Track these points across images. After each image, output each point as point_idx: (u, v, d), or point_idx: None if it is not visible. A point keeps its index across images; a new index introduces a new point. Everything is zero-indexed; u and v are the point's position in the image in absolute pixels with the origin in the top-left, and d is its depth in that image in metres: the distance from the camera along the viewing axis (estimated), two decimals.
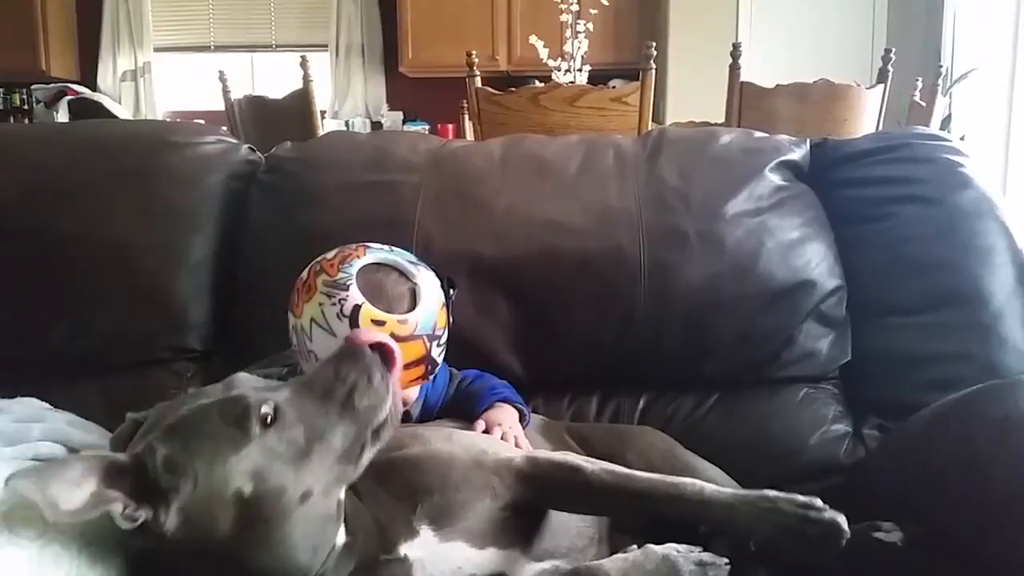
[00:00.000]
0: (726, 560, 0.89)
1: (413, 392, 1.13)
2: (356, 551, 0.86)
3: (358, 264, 1.07)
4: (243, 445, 0.78)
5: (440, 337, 1.11)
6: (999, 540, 0.91)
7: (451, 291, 1.16)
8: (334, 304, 1.03)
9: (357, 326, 1.02)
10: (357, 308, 1.03)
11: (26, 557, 0.83)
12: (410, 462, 0.95)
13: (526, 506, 0.96)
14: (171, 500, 0.76)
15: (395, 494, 0.91)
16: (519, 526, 0.96)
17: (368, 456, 0.84)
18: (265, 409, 0.79)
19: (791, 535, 0.89)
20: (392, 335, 1.00)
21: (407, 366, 1.04)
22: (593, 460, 0.99)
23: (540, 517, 0.99)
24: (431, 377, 1.14)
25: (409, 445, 0.98)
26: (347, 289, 1.04)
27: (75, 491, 0.73)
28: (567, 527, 1.01)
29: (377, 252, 1.12)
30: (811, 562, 0.91)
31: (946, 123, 4.11)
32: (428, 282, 1.11)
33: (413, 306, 1.07)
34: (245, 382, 0.86)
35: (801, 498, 0.91)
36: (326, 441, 0.81)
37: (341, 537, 0.85)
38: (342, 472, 0.82)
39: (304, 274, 1.10)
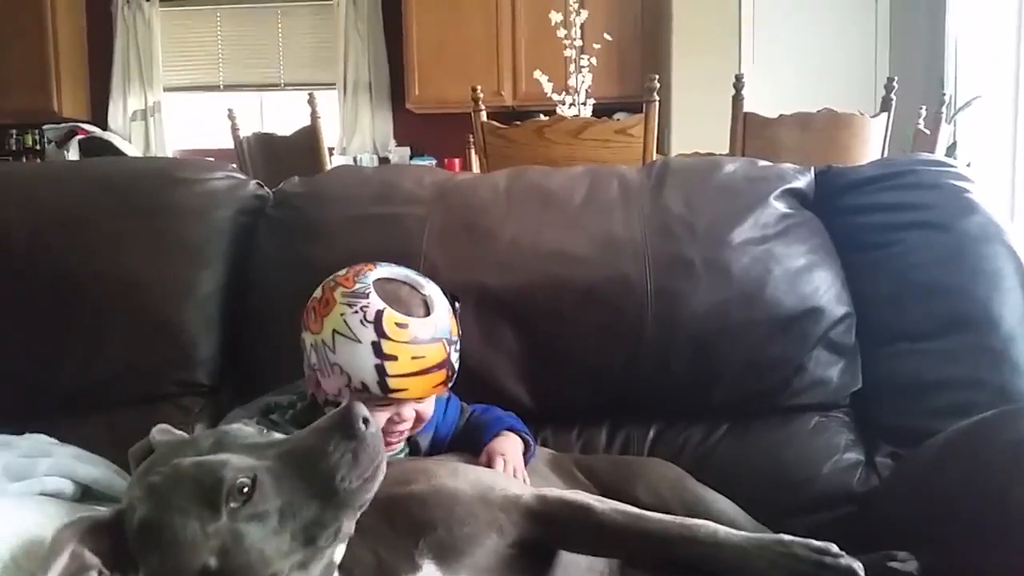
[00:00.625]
0: None
1: (430, 406, 1.13)
2: None
3: (372, 276, 1.09)
4: (212, 521, 0.75)
5: (456, 343, 1.11)
6: (1015, 566, 0.89)
7: (455, 304, 1.17)
8: (356, 312, 1.04)
9: (382, 331, 1.03)
10: (380, 313, 1.04)
11: None
12: (416, 497, 0.93)
13: (534, 544, 0.95)
14: (139, 568, 0.75)
15: (398, 529, 0.90)
16: (526, 564, 0.95)
17: (347, 532, 0.81)
18: (241, 481, 0.75)
19: None
20: (415, 338, 1.04)
21: (430, 370, 1.06)
22: (604, 500, 0.98)
23: (549, 555, 0.98)
24: (448, 388, 1.14)
25: (415, 480, 0.96)
26: (367, 297, 1.05)
27: (57, 558, 0.72)
28: (576, 564, 1.00)
29: (387, 267, 1.14)
30: None
31: (951, 151, 4.12)
32: (437, 293, 1.13)
33: (428, 312, 1.09)
34: (234, 440, 0.82)
35: (816, 543, 0.90)
36: (300, 520, 0.77)
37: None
38: (315, 551, 0.78)
39: (318, 292, 1.11)
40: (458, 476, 0.99)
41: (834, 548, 0.89)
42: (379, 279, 1.10)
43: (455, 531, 0.91)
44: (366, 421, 0.79)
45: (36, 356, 1.39)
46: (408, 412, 1.09)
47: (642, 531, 0.93)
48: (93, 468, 1.14)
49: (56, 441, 1.21)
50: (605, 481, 1.21)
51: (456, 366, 1.12)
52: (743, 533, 0.94)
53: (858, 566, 0.88)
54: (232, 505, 0.75)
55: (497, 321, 1.36)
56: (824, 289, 1.38)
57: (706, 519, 1.12)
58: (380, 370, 1.03)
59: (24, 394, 1.38)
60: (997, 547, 0.93)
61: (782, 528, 1.16)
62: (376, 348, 1.03)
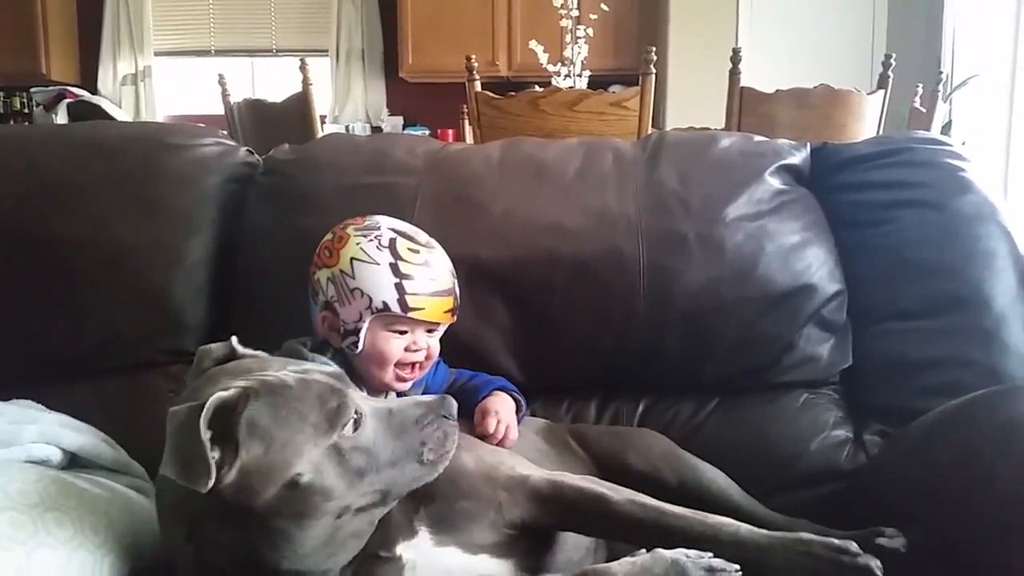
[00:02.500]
0: (737, 567, 0.88)
1: (436, 344, 1.16)
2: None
3: (378, 217, 1.17)
4: (323, 438, 0.81)
5: (457, 280, 1.18)
6: (1002, 545, 0.90)
7: None
8: (371, 240, 1.11)
9: (398, 254, 1.10)
10: (393, 240, 1.12)
11: (56, 560, 0.86)
12: None
13: (538, 525, 0.96)
14: (239, 455, 0.77)
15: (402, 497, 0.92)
16: (524, 544, 0.96)
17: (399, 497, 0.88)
18: (355, 415, 0.83)
19: None
20: (427, 262, 1.12)
21: (442, 293, 1.13)
22: (619, 489, 0.98)
23: (549, 536, 0.99)
24: (455, 317, 1.17)
25: None
26: (379, 228, 1.13)
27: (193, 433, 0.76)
28: (564, 540, 1.01)
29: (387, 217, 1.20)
30: None
31: (946, 129, 4.12)
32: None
33: (432, 245, 1.16)
34: (345, 378, 0.89)
35: (836, 542, 0.91)
36: (383, 473, 0.84)
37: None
38: (381, 502, 0.85)
39: (329, 236, 1.16)
40: (466, 451, 1.00)
41: (853, 547, 0.90)
42: (384, 218, 1.17)
43: (454, 504, 0.93)
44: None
45: (23, 322, 1.38)
46: (423, 340, 1.13)
47: (662, 526, 0.93)
48: (80, 436, 1.13)
49: (43, 408, 1.20)
50: (597, 449, 1.22)
51: (459, 300, 1.17)
52: (764, 531, 0.94)
53: (876, 564, 0.89)
54: (344, 432, 0.82)
55: (489, 294, 1.35)
56: (817, 266, 1.38)
57: (697, 488, 1.15)
58: (399, 288, 1.09)
59: (10, 361, 1.37)
60: (984, 525, 0.93)
61: (768, 506, 1.18)
62: (394, 268, 1.10)
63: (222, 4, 6.40)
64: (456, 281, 1.17)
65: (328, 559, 0.83)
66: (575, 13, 3.65)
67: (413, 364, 1.13)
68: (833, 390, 1.40)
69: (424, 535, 0.91)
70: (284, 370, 0.84)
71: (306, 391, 0.82)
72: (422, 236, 1.16)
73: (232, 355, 0.93)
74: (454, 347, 1.21)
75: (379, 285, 1.09)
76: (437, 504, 0.92)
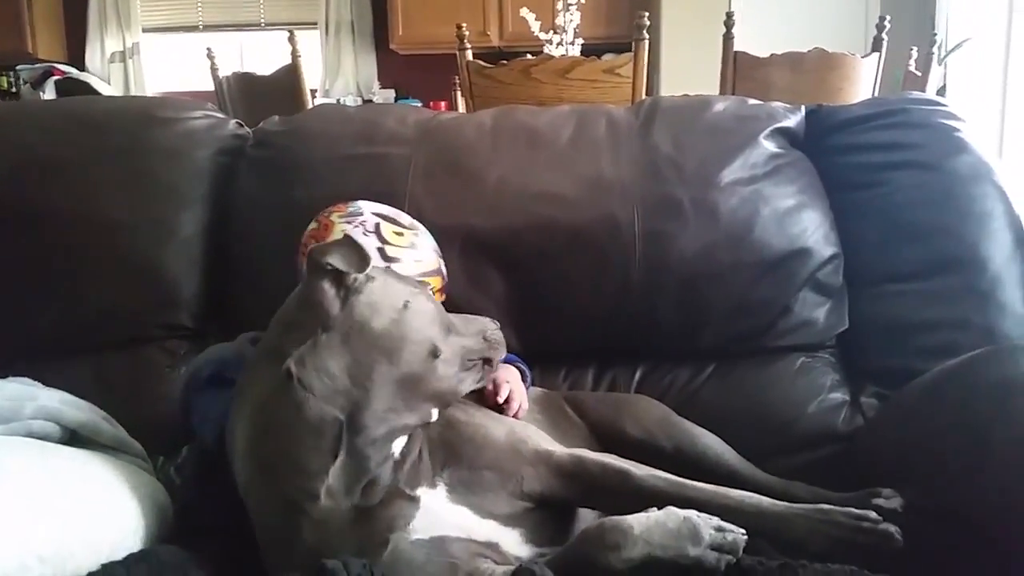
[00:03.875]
0: (743, 531, 0.89)
1: None
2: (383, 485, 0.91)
3: (359, 202, 1.19)
4: (428, 300, 0.97)
5: (443, 260, 1.21)
6: (999, 503, 0.90)
7: None
8: (356, 227, 1.13)
9: (384, 239, 1.13)
10: (377, 225, 1.14)
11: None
12: (454, 428, 1.00)
13: (557, 500, 0.98)
14: (360, 288, 0.91)
15: (435, 445, 0.97)
16: (539, 516, 0.97)
17: (471, 380, 0.99)
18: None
19: (844, 547, 0.91)
20: (412, 244, 1.15)
21: (429, 274, 1.16)
22: (639, 465, 1.00)
23: (559, 510, 1.00)
24: (443, 296, 1.20)
25: (466, 411, 1.04)
26: (362, 214, 1.15)
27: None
28: (577, 515, 1.02)
29: (368, 202, 1.22)
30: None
31: (941, 93, 4.09)
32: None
33: (414, 227, 1.19)
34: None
35: (855, 511, 0.92)
36: (460, 335, 0.98)
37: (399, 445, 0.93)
38: (453, 371, 0.96)
39: (312, 225, 1.18)
40: (496, 423, 1.03)
41: (872, 515, 0.92)
42: (366, 203, 1.18)
43: (477, 472, 0.96)
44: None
45: (17, 299, 1.37)
46: None
47: (683, 499, 0.94)
48: (79, 412, 1.13)
49: (41, 385, 1.20)
50: (594, 416, 1.23)
51: (446, 278, 1.19)
52: (784, 504, 0.95)
53: (895, 530, 0.90)
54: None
55: (483, 263, 1.35)
56: (812, 230, 1.37)
57: (693, 454, 1.15)
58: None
59: (6, 338, 1.37)
60: (980, 485, 0.94)
61: (766, 470, 1.18)
62: (381, 253, 1.11)
63: None
64: (442, 260, 1.18)
65: (396, 417, 0.90)
66: None
67: None
68: (830, 353, 1.40)
69: (442, 490, 0.94)
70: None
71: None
72: (405, 218, 1.19)
73: None
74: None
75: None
76: (462, 467, 0.95)
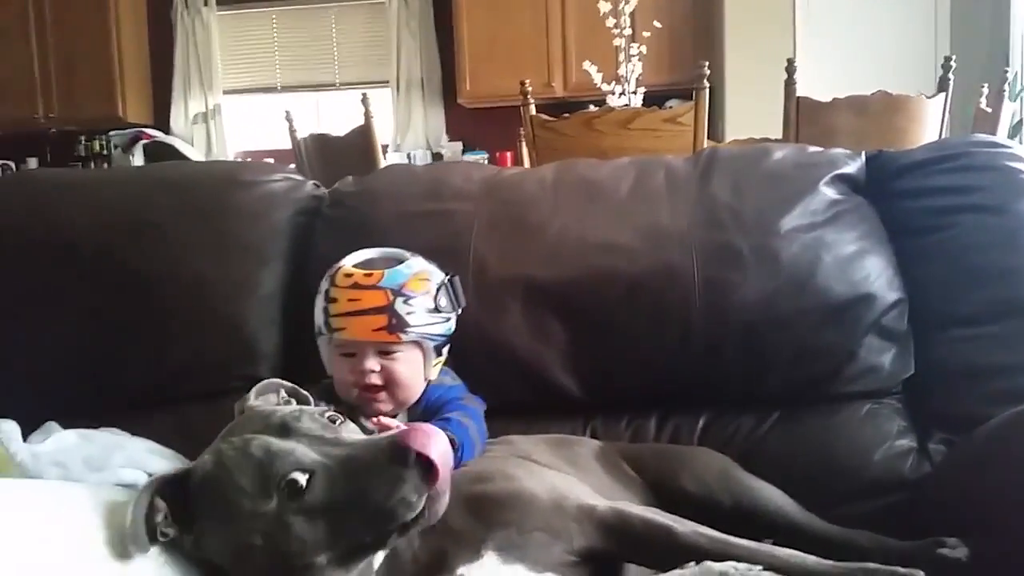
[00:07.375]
0: None
1: (404, 369, 1.16)
2: (406, 570, 0.90)
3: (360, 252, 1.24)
4: (263, 505, 0.82)
5: (410, 297, 1.15)
6: None
7: (453, 278, 1.22)
8: (327, 276, 1.20)
9: (332, 280, 1.17)
10: (337, 268, 1.19)
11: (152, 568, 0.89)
12: (492, 498, 0.97)
13: (601, 554, 0.97)
14: (194, 527, 0.85)
15: (470, 523, 0.94)
16: (586, 570, 0.96)
17: (393, 544, 0.87)
18: (296, 477, 0.82)
19: None
20: (355, 284, 1.15)
21: (365, 312, 1.14)
22: (683, 520, 0.98)
23: (612, 566, 0.99)
24: (391, 335, 1.15)
25: (492, 479, 1.01)
26: (339, 262, 1.21)
27: (140, 499, 0.84)
28: (627, 570, 1.01)
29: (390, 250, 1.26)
30: None
31: (1016, 129, 3.99)
32: (419, 263, 1.21)
33: (383, 271, 1.18)
34: (307, 427, 0.87)
35: (902, 570, 0.90)
36: (347, 527, 0.82)
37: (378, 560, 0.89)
38: (352, 556, 0.85)
39: None
40: (535, 479, 1.02)
41: (919, 574, 0.89)
42: (362, 252, 1.23)
43: (525, 533, 0.94)
44: (417, 456, 0.82)
45: (106, 355, 1.45)
46: (370, 362, 1.14)
47: (727, 557, 0.92)
48: (164, 460, 1.19)
49: (129, 435, 1.27)
50: (651, 471, 1.22)
51: (408, 320, 1.15)
52: (830, 562, 0.93)
53: None
54: (285, 497, 0.82)
55: (545, 313, 1.38)
56: (875, 275, 1.37)
57: (753, 508, 1.14)
58: (325, 311, 1.17)
59: (96, 392, 1.44)
60: None
61: (832, 518, 1.17)
62: (325, 294, 1.18)
63: (287, 42, 6.62)
64: (402, 299, 1.14)
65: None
66: (628, 32, 3.68)
67: (375, 387, 1.15)
68: (896, 399, 1.38)
69: (492, 558, 0.92)
70: (245, 434, 0.88)
71: (245, 460, 0.84)
72: (382, 263, 1.19)
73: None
74: (512, 367, 1.23)
75: (317, 310, 1.19)
76: (510, 532, 0.93)
